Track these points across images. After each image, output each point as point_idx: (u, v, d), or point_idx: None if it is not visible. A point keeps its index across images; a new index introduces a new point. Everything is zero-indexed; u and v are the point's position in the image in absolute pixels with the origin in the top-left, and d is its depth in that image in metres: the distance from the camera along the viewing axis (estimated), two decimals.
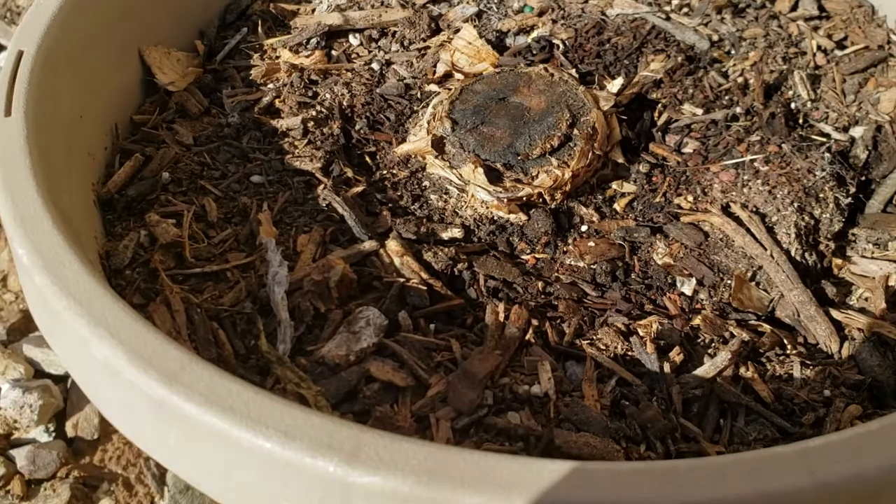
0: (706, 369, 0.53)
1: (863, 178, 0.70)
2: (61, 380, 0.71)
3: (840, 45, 0.80)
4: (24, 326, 0.76)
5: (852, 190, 0.67)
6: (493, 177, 0.64)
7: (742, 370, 0.54)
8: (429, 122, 0.68)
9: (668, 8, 0.82)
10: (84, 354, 0.44)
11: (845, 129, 0.73)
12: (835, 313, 0.60)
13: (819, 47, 0.79)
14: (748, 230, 0.62)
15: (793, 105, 0.74)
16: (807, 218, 0.63)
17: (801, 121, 0.73)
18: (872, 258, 0.65)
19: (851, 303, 0.63)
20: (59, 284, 0.45)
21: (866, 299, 0.63)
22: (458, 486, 0.36)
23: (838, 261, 0.64)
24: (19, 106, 0.56)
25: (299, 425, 0.39)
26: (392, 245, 0.59)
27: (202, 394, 0.40)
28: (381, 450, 0.38)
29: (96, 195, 0.63)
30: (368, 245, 0.59)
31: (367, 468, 0.37)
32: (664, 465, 0.37)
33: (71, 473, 0.66)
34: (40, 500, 0.64)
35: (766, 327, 0.59)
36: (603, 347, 0.55)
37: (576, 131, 0.65)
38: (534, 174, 0.64)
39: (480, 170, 0.63)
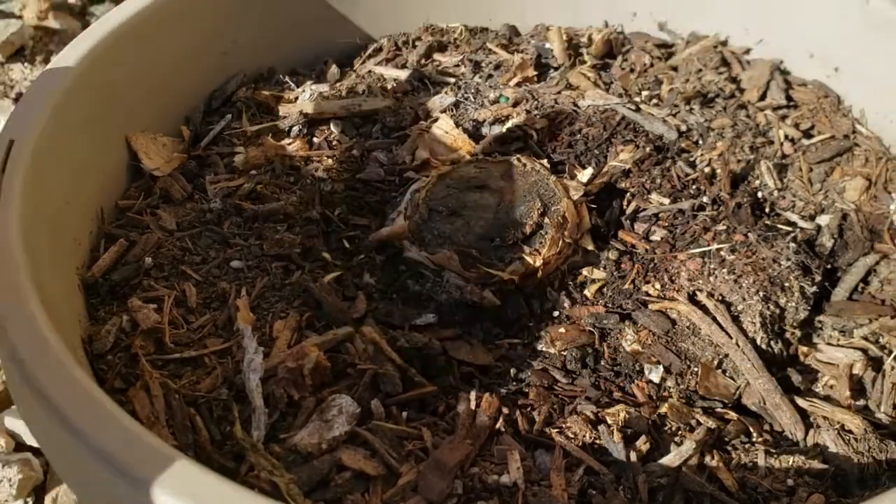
0: (671, 458, 0.54)
1: (829, 266, 0.72)
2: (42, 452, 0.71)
3: (807, 134, 0.83)
4: (6, 399, 0.77)
5: (818, 278, 0.69)
6: (468, 263, 0.65)
7: (707, 458, 0.55)
8: (406, 209, 0.70)
9: (637, 99, 0.85)
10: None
11: (812, 218, 0.75)
12: (800, 401, 0.61)
13: (786, 136, 0.82)
14: (714, 319, 0.64)
15: (760, 194, 0.77)
16: (772, 307, 0.65)
17: (767, 209, 0.75)
18: (838, 345, 0.67)
19: (817, 390, 0.64)
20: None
21: (831, 387, 0.64)
22: None
23: (804, 348, 0.66)
24: (8, 196, 0.58)
25: None
26: (367, 331, 0.60)
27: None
28: None
29: (81, 279, 0.64)
30: (343, 331, 0.60)
31: None
32: None
33: None
34: None
35: (733, 415, 0.60)
36: (572, 436, 0.56)
37: (547, 220, 0.67)
38: (507, 261, 0.65)
39: (455, 256, 0.65)
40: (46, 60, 1.49)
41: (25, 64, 1.43)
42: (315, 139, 0.80)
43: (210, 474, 0.42)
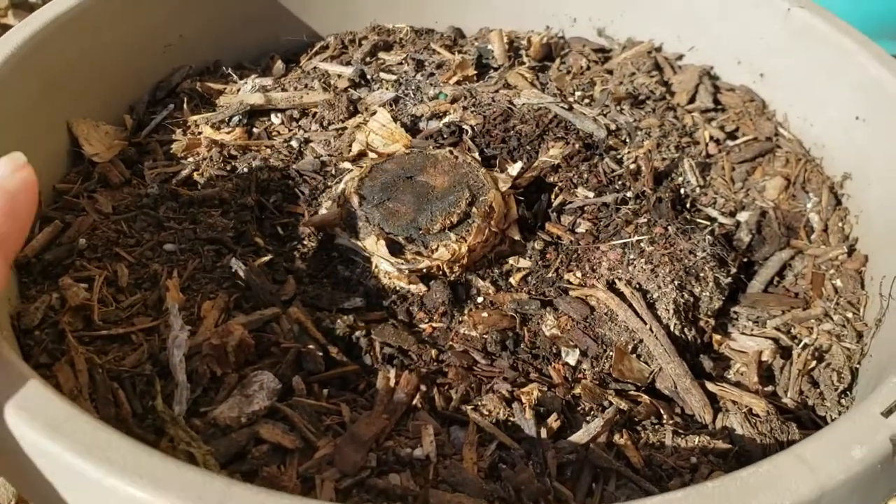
0: (580, 435, 0.57)
1: (745, 260, 0.75)
2: None
3: (732, 135, 0.86)
4: None
5: (733, 270, 0.72)
6: (396, 249, 0.67)
7: (616, 437, 0.58)
8: (339, 197, 0.72)
9: (571, 99, 0.88)
10: None
11: (732, 214, 0.78)
12: (711, 386, 0.64)
13: (712, 137, 0.85)
14: (630, 305, 0.66)
15: (682, 190, 0.80)
16: (686, 295, 0.68)
17: (689, 205, 0.78)
18: (751, 335, 0.70)
19: (729, 377, 0.67)
20: None
21: (742, 374, 0.67)
22: None
23: (718, 336, 0.69)
24: None
25: (172, 478, 0.41)
26: (293, 311, 0.62)
27: (83, 443, 0.42)
28: (248, 502, 0.40)
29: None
30: (269, 311, 0.62)
31: None
32: None
33: None
34: None
35: (645, 398, 0.62)
36: (486, 413, 0.58)
37: (474, 209, 0.69)
38: (434, 248, 0.68)
39: (383, 242, 0.67)
40: None
41: None
42: (255, 129, 0.81)
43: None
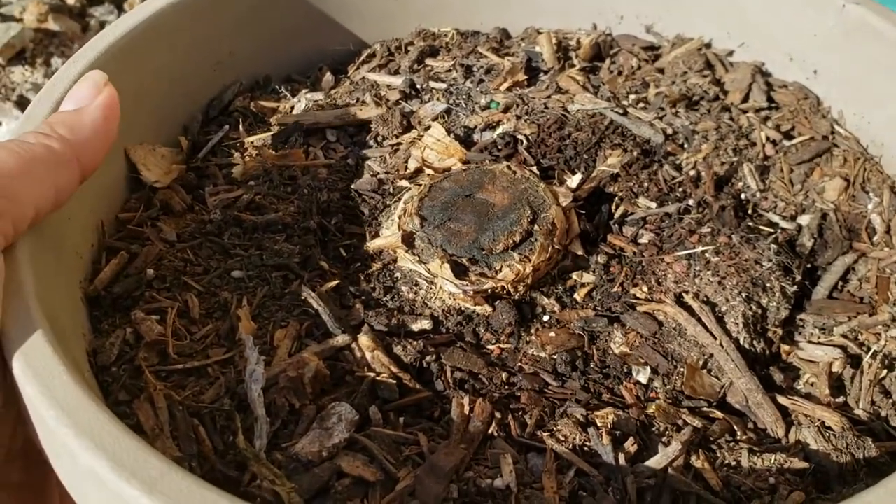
0: (659, 459, 0.57)
1: (809, 266, 0.74)
2: None
3: (787, 135, 0.85)
4: None
5: (798, 278, 0.71)
6: (460, 271, 0.68)
7: (693, 458, 0.58)
8: (399, 218, 0.72)
9: (625, 103, 0.87)
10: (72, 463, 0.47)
11: (793, 218, 0.78)
12: (781, 399, 0.64)
13: (768, 138, 0.84)
14: (699, 320, 0.66)
15: (743, 195, 0.79)
16: (754, 307, 0.68)
17: (750, 211, 0.77)
18: (819, 343, 0.69)
19: (799, 388, 0.67)
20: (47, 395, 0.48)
21: (812, 384, 0.67)
22: None
23: (786, 347, 0.69)
24: None
25: None
26: (364, 340, 0.63)
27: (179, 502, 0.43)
28: None
29: (84, 292, 0.66)
30: (341, 340, 0.63)
31: None
32: None
33: None
34: None
35: (718, 413, 0.62)
36: (562, 438, 0.58)
37: (536, 227, 0.69)
38: (497, 268, 0.68)
39: (447, 265, 0.67)
40: (47, 63, 1.50)
41: (26, 66, 1.45)
42: (311, 148, 0.82)
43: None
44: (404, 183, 0.77)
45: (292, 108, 0.86)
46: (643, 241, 0.74)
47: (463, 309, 0.68)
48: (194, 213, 0.75)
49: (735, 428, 0.62)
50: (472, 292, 0.67)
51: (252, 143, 0.82)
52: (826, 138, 0.84)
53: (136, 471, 0.45)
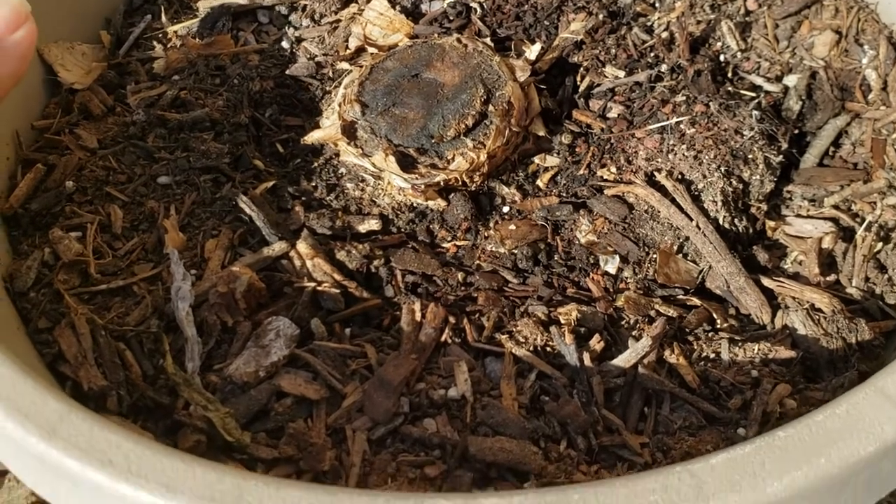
0: (628, 356, 0.52)
1: (796, 132, 0.67)
2: None
3: None
4: None
5: (784, 146, 0.65)
6: (407, 163, 0.61)
7: (667, 353, 0.53)
8: (339, 106, 0.65)
9: None
10: None
11: (778, 79, 0.70)
12: (766, 281, 0.58)
13: None
14: (673, 200, 0.60)
15: (721, 57, 0.71)
16: (735, 182, 0.61)
17: (730, 74, 0.70)
18: (808, 216, 0.64)
19: (786, 267, 0.61)
20: None
21: (800, 263, 0.61)
22: None
23: (772, 222, 0.63)
24: None
25: (180, 477, 0.37)
26: (302, 247, 0.57)
27: (81, 448, 0.38)
28: (265, 499, 0.36)
29: None
30: (277, 248, 0.57)
31: None
32: None
33: None
34: None
35: (696, 301, 0.57)
36: (522, 340, 0.53)
37: (491, 108, 0.62)
38: (449, 157, 0.61)
39: (392, 157, 0.60)
40: None
41: None
42: (241, 33, 0.74)
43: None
44: (345, 65, 0.70)
45: None
46: (612, 115, 0.66)
47: (415, 205, 0.62)
48: (116, 115, 0.68)
49: (714, 316, 0.56)
50: (422, 186, 0.61)
51: (176, 32, 0.74)
52: None
53: (33, 415, 0.40)
